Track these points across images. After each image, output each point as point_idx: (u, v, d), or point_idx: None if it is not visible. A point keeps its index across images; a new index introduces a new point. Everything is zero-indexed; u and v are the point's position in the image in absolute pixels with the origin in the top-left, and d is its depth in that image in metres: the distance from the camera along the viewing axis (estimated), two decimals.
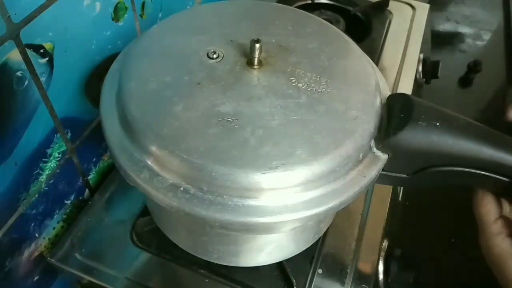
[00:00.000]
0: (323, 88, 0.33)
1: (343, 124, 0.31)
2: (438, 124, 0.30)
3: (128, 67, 0.33)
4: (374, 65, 0.37)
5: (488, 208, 0.33)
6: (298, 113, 0.31)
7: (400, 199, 0.60)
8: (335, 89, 0.33)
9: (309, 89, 0.32)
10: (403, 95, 0.34)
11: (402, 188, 0.59)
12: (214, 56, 0.34)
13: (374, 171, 0.31)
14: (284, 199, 0.29)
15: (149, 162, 0.29)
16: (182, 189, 0.28)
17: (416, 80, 0.67)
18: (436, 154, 0.31)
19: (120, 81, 0.32)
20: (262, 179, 0.28)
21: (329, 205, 0.29)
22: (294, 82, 0.33)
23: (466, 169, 0.32)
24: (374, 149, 0.32)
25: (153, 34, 0.36)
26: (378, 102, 0.33)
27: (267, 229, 0.30)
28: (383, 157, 0.32)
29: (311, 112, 0.31)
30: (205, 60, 0.34)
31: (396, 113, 0.32)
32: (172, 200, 0.28)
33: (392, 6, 0.76)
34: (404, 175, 0.34)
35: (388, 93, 0.35)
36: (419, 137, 0.30)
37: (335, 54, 0.36)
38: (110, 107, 0.32)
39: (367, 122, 0.31)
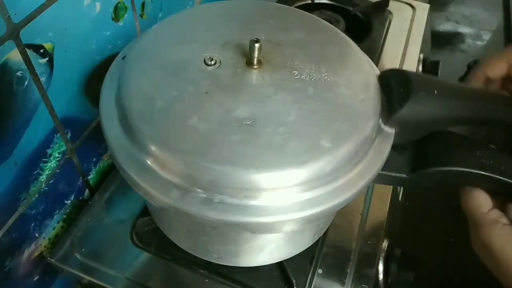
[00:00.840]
0: (324, 76, 0.33)
1: (354, 107, 0.32)
2: (436, 92, 0.32)
3: (128, 86, 0.32)
4: (356, 45, 0.38)
5: (479, 201, 0.33)
6: (310, 104, 0.31)
7: (400, 199, 0.60)
8: (336, 75, 0.34)
9: (312, 80, 0.33)
10: (395, 70, 0.35)
11: (402, 188, 0.59)
12: (212, 62, 0.33)
13: (387, 146, 0.32)
14: (323, 188, 0.29)
15: (177, 181, 0.28)
16: (217, 200, 0.28)
17: None
18: (439, 119, 0.33)
19: (123, 101, 0.31)
20: (298, 173, 0.28)
21: (361, 185, 0.30)
22: (297, 75, 0.33)
23: (466, 169, 0.32)
24: (383, 126, 0.33)
25: (149, 43, 0.35)
26: (375, 80, 0.34)
27: (313, 219, 0.30)
28: (391, 132, 0.33)
29: (321, 101, 0.32)
30: (204, 68, 0.33)
31: (394, 88, 0.33)
32: (209, 213, 0.28)
33: (392, 6, 0.76)
34: (404, 175, 0.34)
35: (378, 71, 0.36)
36: (422, 107, 0.32)
37: (323, 41, 0.37)
38: (110, 107, 0.32)
39: (373, 101, 0.33)
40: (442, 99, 0.33)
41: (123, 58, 0.35)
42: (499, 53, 0.36)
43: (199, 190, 0.28)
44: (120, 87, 0.32)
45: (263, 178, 0.28)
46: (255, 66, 0.33)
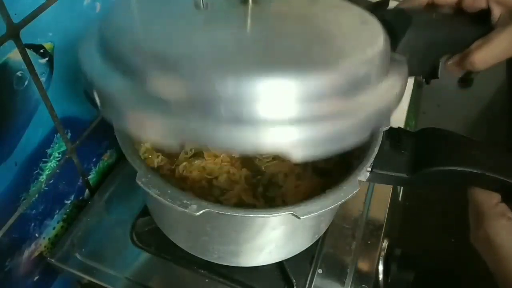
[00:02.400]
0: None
1: (362, 22, 0.32)
2: (434, 16, 0.35)
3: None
4: None
5: (488, 193, 0.33)
6: (323, 21, 0.31)
7: (400, 199, 0.60)
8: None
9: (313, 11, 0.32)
10: (390, 10, 0.37)
11: (402, 188, 0.59)
12: (203, 5, 0.30)
13: (404, 74, 0.31)
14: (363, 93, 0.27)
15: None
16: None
17: (416, 80, 0.67)
18: (442, 41, 0.35)
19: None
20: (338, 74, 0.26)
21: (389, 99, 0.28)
22: (297, 4, 0.32)
23: (466, 169, 0.32)
24: (392, 54, 0.32)
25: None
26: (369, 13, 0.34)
27: None
28: (403, 58, 0.33)
29: (331, 20, 0.31)
30: (197, 11, 0.30)
31: (393, 20, 0.35)
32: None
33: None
34: (404, 175, 0.34)
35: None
36: (424, 30, 0.34)
37: None
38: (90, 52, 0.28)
39: (375, 22, 0.32)
40: (439, 21, 0.35)
41: None
42: None
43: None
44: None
45: (300, 86, 0.24)
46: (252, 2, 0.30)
